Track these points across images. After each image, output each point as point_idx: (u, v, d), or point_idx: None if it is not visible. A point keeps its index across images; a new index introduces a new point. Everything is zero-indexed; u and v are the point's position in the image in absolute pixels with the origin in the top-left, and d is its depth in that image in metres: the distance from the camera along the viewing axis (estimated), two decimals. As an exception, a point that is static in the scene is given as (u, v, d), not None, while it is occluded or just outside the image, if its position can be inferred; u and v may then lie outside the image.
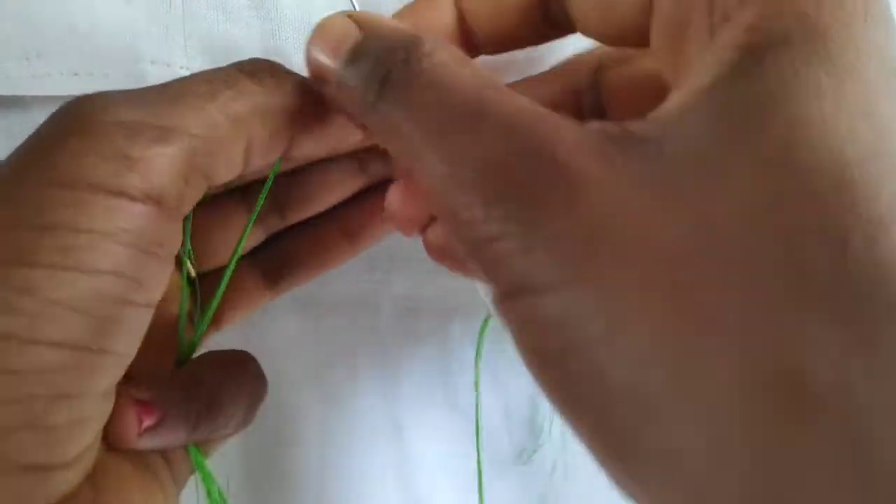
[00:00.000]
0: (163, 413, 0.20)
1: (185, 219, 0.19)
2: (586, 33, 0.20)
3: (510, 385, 0.32)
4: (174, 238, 0.18)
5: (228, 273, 0.23)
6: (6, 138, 0.25)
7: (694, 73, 0.15)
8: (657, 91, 0.16)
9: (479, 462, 0.29)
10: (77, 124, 0.17)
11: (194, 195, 0.19)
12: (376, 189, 0.26)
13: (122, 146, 0.17)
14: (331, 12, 0.24)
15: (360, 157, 0.25)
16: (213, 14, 0.23)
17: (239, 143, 0.19)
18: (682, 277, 0.13)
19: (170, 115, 0.18)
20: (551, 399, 0.15)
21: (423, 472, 0.32)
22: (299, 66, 0.24)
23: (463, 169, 0.15)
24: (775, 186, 0.13)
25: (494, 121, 0.15)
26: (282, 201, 0.25)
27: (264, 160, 0.20)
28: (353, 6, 0.24)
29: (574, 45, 0.23)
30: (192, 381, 0.21)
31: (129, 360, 0.18)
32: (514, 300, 0.15)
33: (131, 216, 0.17)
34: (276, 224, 0.26)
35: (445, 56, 0.17)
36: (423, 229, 0.22)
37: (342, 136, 0.22)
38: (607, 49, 0.22)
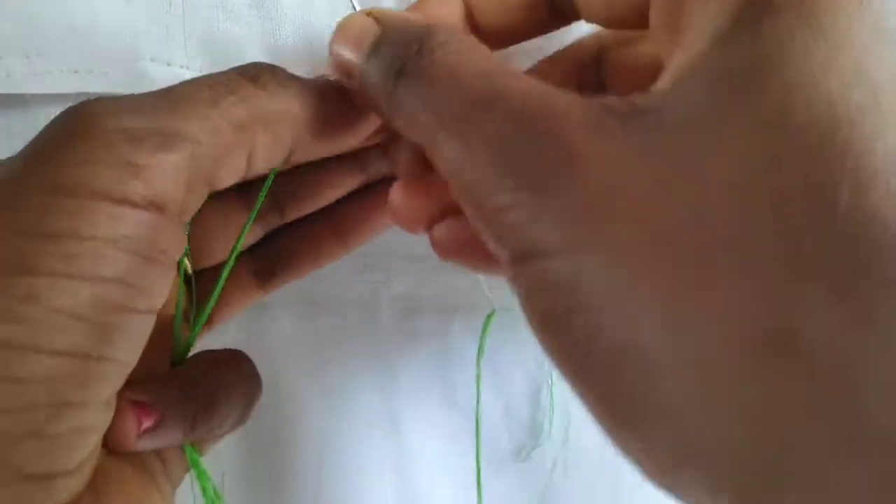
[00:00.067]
0: (161, 414, 0.20)
1: None
2: (590, 19, 0.20)
3: (510, 383, 0.32)
4: (177, 244, 0.18)
5: (226, 272, 0.22)
6: (6, 137, 0.25)
7: (689, 42, 0.15)
8: (657, 71, 0.16)
9: (477, 459, 0.30)
10: (80, 131, 0.17)
11: (197, 201, 0.19)
12: (367, 188, 0.26)
13: (126, 153, 0.17)
14: (330, 11, 0.24)
15: (360, 155, 0.25)
16: (213, 13, 0.23)
17: (242, 148, 0.19)
18: (682, 241, 0.13)
19: (173, 122, 0.18)
20: (558, 365, 0.15)
21: (421, 470, 0.32)
22: (299, 67, 0.24)
23: (476, 148, 0.16)
24: (772, 149, 0.13)
25: (505, 103, 0.16)
26: (281, 199, 0.25)
27: (267, 165, 0.20)
28: (353, 5, 0.24)
29: (576, 32, 0.23)
30: (188, 382, 0.21)
31: (130, 368, 0.18)
32: (523, 264, 0.15)
33: (134, 223, 0.17)
34: (276, 221, 0.26)
35: (458, 45, 0.17)
36: (428, 227, 0.22)
37: (345, 139, 0.22)
38: (608, 33, 0.23)
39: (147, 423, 0.20)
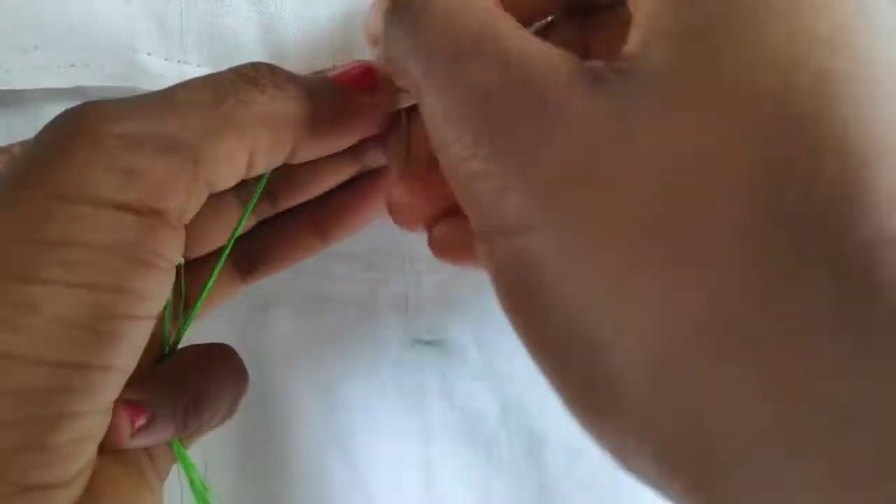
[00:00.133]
0: (152, 413, 0.20)
1: None
2: None
3: (508, 382, 0.32)
4: (177, 249, 0.18)
5: (219, 266, 0.22)
6: (6, 135, 0.25)
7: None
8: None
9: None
10: (79, 136, 0.17)
11: (196, 204, 0.18)
12: (348, 182, 0.26)
13: (125, 159, 0.17)
14: (329, 4, 0.24)
15: (356, 145, 0.25)
16: (211, 7, 0.23)
17: (242, 151, 0.19)
18: (641, 220, 0.13)
19: (173, 126, 0.17)
20: (525, 344, 0.15)
21: (419, 468, 0.32)
22: (299, 62, 0.24)
23: (455, 101, 0.15)
24: (731, 126, 0.13)
25: (490, 53, 0.15)
26: (274, 189, 0.25)
27: (268, 165, 0.20)
28: None
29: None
30: (178, 378, 0.21)
31: (129, 374, 0.18)
32: (490, 240, 0.15)
33: (135, 230, 0.17)
34: (267, 211, 0.25)
35: None
36: (428, 226, 0.22)
37: (346, 137, 0.22)
38: None
39: (139, 422, 0.19)
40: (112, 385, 0.17)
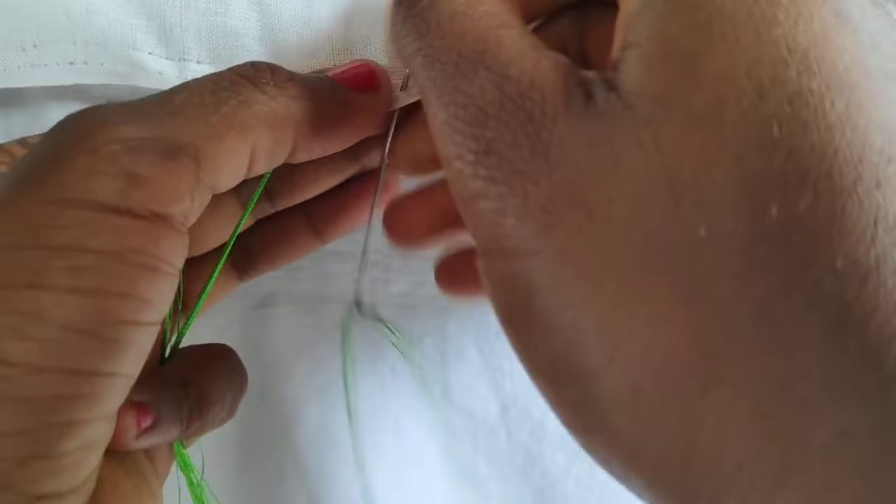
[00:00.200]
0: (157, 414, 0.20)
1: None
2: None
3: (508, 381, 0.32)
4: (181, 253, 0.18)
5: (219, 267, 0.22)
6: (6, 136, 0.25)
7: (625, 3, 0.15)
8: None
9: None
10: (81, 142, 0.17)
11: (200, 207, 0.18)
12: (344, 182, 0.26)
13: (129, 164, 0.17)
14: (330, 2, 0.24)
15: (354, 145, 0.25)
16: (211, 6, 0.23)
17: (244, 152, 0.19)
18: (634, 246, 0.13)
19: (175, 130, 0.17)
20: (521, 361, 0.15)
21: (419, 467, 0.32)
22: (299, 61, 0.24)
23: (457, 115, 0.15)
24: (704, 150, 0.12)
25: (492, 65, 0.15)
26: (272, 189, 0.25)
27: (269, 165, 0.20)
28: None
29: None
30: (181, 379, 0.21)
31: (133, 381, 0.18)
32: (489, 260, 0.15)
33: (139, 235, 0.17)
34: (265, 210, 0.25)
35: None
36: (422, 244, 0.22)
37: (346, 136, 0.21)
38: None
39: (145, 423, 0.19)
40: (118, 392, 0.17)
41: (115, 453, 0.19)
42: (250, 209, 0.23)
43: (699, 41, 0.13)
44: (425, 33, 0.16)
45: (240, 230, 0.23)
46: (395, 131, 0.23)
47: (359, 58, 0.23)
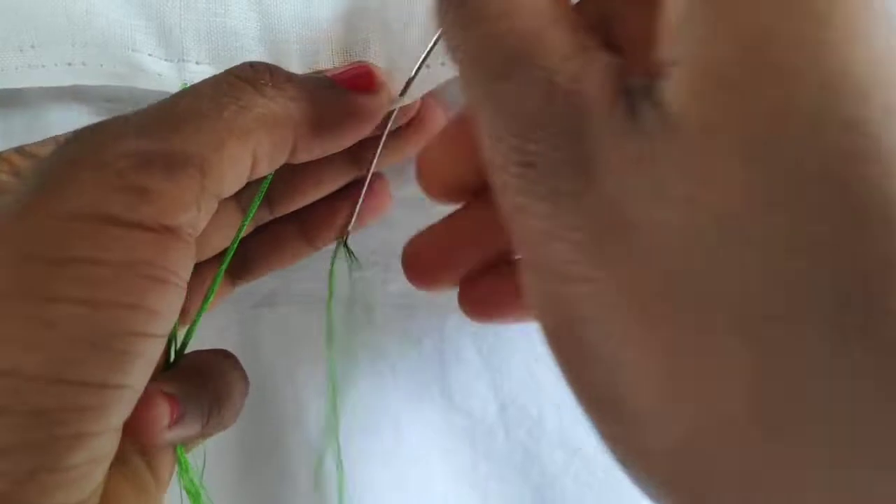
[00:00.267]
0: (184, 407, 0.20)
1: None
2: None
3: (507, 380, 0.32)
4: (188, 264, 0.18)
5: (221, 272, 0.23)
6: (6, 137, 0.24)
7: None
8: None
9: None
10: (90, 156, 0.17)
11: (207, 215, 0.19)
12: (336, 191, 0.26)
13: (136, 178, 0.17)
14: (330, 1, 0.24)
15: (352, 149, 0.25)
16: (211, 6, 0.23)
17: (246, 156, 0.19)
18: (682, 285, 0.12)
19: (180, 142, 0.18)
20: (564, 378, 0.15)
21: (418, 467, 0.32)
22: (298, 62, 0.24)
23: (502, 121, 0.14)
24: (762, 186, 0.12)
25: (538, 70, 0.14)
26: (271, 195, 0.25)
27: (270, 167, 0.20)
28: None
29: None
30: (199, 379, 0.21)
31: (140, 393, 0.18)
32: (535, 276, 0.15)
33: (148, 247, 0.17)
34: (264, 217, 0.26)
35: None
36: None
37: (345, 137, 0.21)
38: None
39: (175, 415, 0.20)
40: (125, 404, 0.17)
41: (117, 464, 0.19)
42: (252, 214, 0.23)
43: (749, 67, 0.12)
44: (469, 26, 0.15)
45: (243, 235, 0.23)
46: (420, 153, 0.22)
47: (358, 59, 0.23)
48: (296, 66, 0.23)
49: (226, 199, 0.24)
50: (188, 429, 0.20)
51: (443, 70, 0.23)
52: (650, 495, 0.14)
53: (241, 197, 0.24)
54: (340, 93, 0.21)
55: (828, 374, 0.11)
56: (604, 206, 0.13)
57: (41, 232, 0.16)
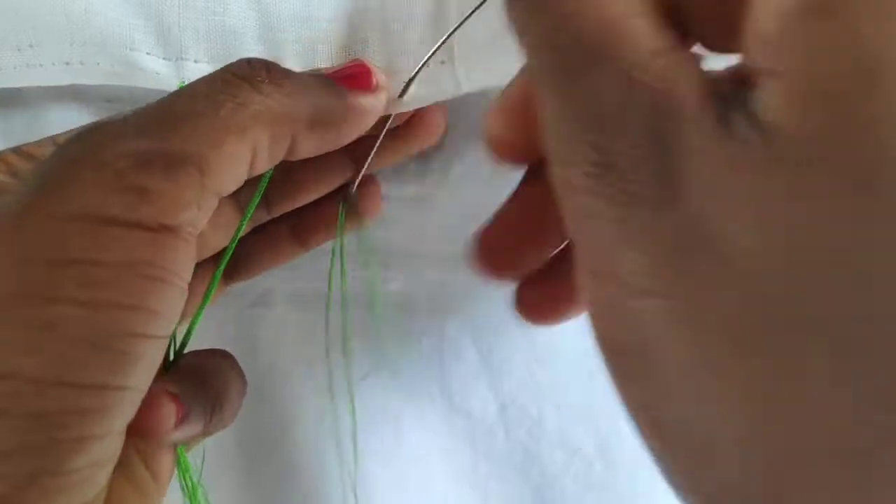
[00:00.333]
0: (189, 406, 0.20)
1: None
2: None
3: (507, 380, 0.32)
4: (189, 264, 0.18)
5: (219, 272, 0.22)
6: (6, 136, 0.24)
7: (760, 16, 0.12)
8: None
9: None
10: (89, 157, 0.17)
11: (207, 214, 0.18)
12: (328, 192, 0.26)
13: (135, 178, 0.17)
14: (330, 5, 0.23)
15: (350, 147, 0.25)
16: (210, 5, 0.23)
17: (245, 153, 0.19)
18: (772, 321, 0.11)
19: (179, 141, 0.18)
20: (616, 390, 0.14)
21: (418, 467, 0.32)
22: (298, 61, 0.24)
23: (574, 115, 0.13)
24: (876, 214, 0.11)
25: (621, 60, 0.13)
26: (270, 195, 0.25)
27: (268, 164, 0.20)
28: None
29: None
30: (200, 379, 0.21)
31: (142, 395, 0.18)
32: (597, 283, 0.14)
33: (148, 247, 0.17)
34: (262, 217, 0.26)
35: None
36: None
37: (342, 134, 0.21)
38: None
39: (180, 415, 0.20)
40: (128, 406, 0.17)
41: (118, 467, 0.19)
42: (251, 213, 0.23)
43: (866, 87, 0.11)
44: (544, 9, 0.14)
45: (240, 235, 0.23)
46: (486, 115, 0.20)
47: (356, 58, 0.23)
48: (295, 66, 0.23)
49: (223, 201, 0.24)
50: (192, 428, 0.20)
51: (443, 70, 0.23)
52: None
53: (239, 196, 0.24)
54: (338, 90, 0.21)
55: None
56: (688, 216, 0.12)
57: (41, 233, 0.16)
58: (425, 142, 0.26)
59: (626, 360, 0.13)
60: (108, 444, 0.17)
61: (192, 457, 0.23)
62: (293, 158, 0.21)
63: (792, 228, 0.11)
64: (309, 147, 0.21)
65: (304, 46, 0.23)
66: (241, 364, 0.24)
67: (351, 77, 0.22)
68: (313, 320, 0.32)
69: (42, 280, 0.16)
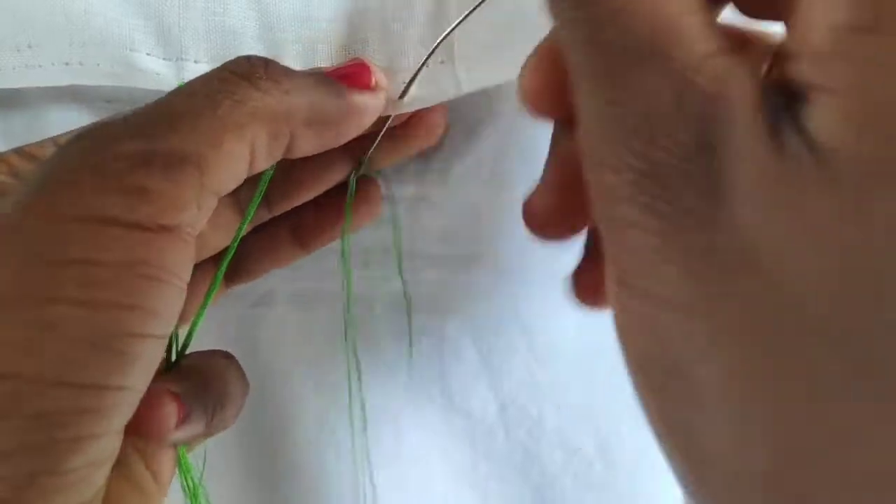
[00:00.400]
0: (190, 406, 0.20)
1: None
2: None
3: (507, 380, 0.32)
4: (188, 264, 0.18)
5: (221, 272, 0.22)
6: (6, 137, 0.24)
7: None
8: None
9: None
10: (88, 158, 0.17)
11: (207, 213, 0.19)
12: (327, 193, 0.26)
13: (134, 179, 0.17)
14: (330, 5, 0.23)
15: (350, 145, 0.25)
16: (210, 5, 0.23)
17: (243, 151, 0.19)
18: (818, 356, 0.11)
19: (175, 140, 0.18)
20: (641, 404, 0.14)
21: (418, 467, 0.32)
22: (297, 61, 0.24)
23: (618, 116, 0.13)
24: None
25: (676, 63, 0.12)
26: (270, 194, 0.25)
27: (268, 162, 0.20)
28: None
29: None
30: (202, 379, 0.21)
31: (141, 396, 0.18)
32: (629, 295, 0.13)
33: (147, 247, 0.17)
34: (263, 217, 0.26)
35: None
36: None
37: (341, 132, 0.21)
38: None
39: (182, 415, 0.20)
40: (126, 406, 0.17)
41: (118, 467, 0.19)
42: (251, 213, 0.23)
43: None
44: (587, 2, 0.13)
45: (242, 235, 0.23)
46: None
47: (356, 57, 0.23)
48: (295, 66, 0.23)
49: (223, 201, 0.24)
50: (193, 428, 0.20)
51: (443, 70, 0.23)
52: None
53: (239, 196, 0.24)
54: (337, 87, 0.21)
55: None
56: (734, 233, 0.11)
57: (40, 234, 0.16)
58: (425, 142, 0.26)
59: (656, 376, 0.13)
60: (106, 443, 0.17)
61: (194, 458, 0.23)
62: (292, 156, 0.21)
63: (847, 251, 0.11)
64: (308, 145, 0.21)
65: (304, 46, 0.24)
66: (242, 364, 0.24)
67: (350, 75, 0.22)
68: (314, 320, 0.32)
69: (42, 280, 0.16)
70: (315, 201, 0.26)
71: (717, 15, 0.15)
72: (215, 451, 0.23)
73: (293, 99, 0.20)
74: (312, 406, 0.32)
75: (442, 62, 0.23)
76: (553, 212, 0.18)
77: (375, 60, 0.23)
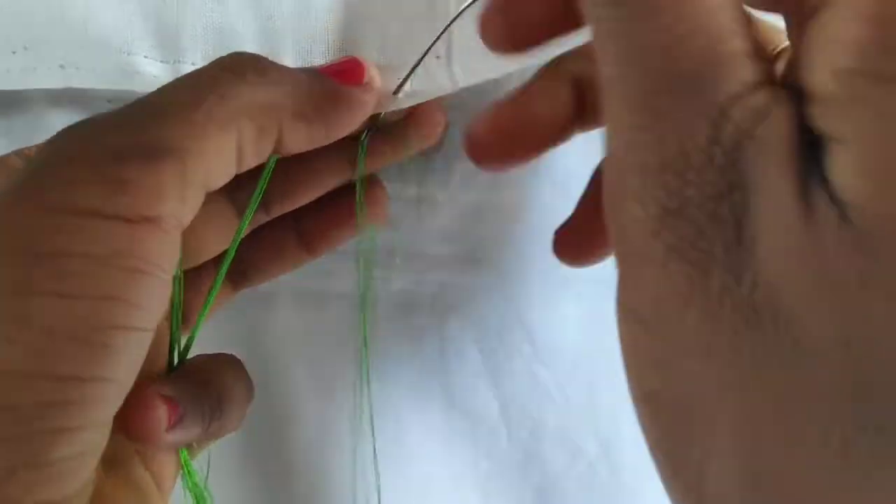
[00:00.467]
0: (184, 409, 0.20)
1: None
2: None
3: (508, 380, 0.32)
4: (171, 256, 0.18)
5: (222, 273, 0.22)
6: (7, 139, 0.25)
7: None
8: None
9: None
10: (67, 151, 0.17)
11: (194, 206, 0.18)
12: (334, 196, 0.26)
13: (112, 170, 0.17)
14: (327, 2, 0.23)
15: (348, 147, 0.25)
16: (208, 6, 0.23)
17: (229, 145, 0.19)
18: (822, 402, 0.11)
19: (158, 133, 0.17)
20: (644, 434, 0.13)
21: (419, 467, 0.32)
22: (295, 62, 0.24)
23: (650, 145, 0.12)
24: None
25: (718, 94, 0.11)
26: (267, 197, 0.25)
27: (257, 158, 0.20)
28: None
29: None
30: (201, 382, 0.21)
31: (128, 388, 0.18)
32: (642, 330, 0.13)
33: (126, 239, 0.17)
34: (261, 219, 0.26)
35: None
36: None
37: (332, 128, 0.21)
38: None
39: (174, 417, 0.20)
40: (110, 398, 0.17)
41: (117, 469, 0.19)
42: (250, 215, 0.23)
43: None
44: (635, 16, 0.12)
45: (241, 236, 0.23)
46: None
47: (350, 54, 0.23)
48: (292, 65, 0.23)
49: (222, 201, 0.24)
50: (188, 431, 0.20)
51: (439, 65, 0.23)
52: None
53: (237, 198, 0.23)
54: (327, 83, 0.21)
55: None
56: (759, 286, 0.11)
57: (19, 226, 0.16)
58: (425, 140, 0.26)
59: (663, 412, 0.12)
60: (91, 436, 0.17)
61: (198, 462, 0.23)
62: (284, 153, 0.21)
63: (869, 320, 0.10)
64: (298, 140, 0.21)
65: (302, 46, 0.23)
66: (245, 365, 0.24)
67: (342, 72, 0.22)
68: (315, 320, 0.32)
69: (20, 272, 0.16)
70: (320, 204, 0.26)
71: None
72: (215, 451, 0.23)
73: (281, 92, 0.20)
74: (315, 405, 0.32)
75: (438, 58, 0.23)
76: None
77: (372, 58, 0.23)
